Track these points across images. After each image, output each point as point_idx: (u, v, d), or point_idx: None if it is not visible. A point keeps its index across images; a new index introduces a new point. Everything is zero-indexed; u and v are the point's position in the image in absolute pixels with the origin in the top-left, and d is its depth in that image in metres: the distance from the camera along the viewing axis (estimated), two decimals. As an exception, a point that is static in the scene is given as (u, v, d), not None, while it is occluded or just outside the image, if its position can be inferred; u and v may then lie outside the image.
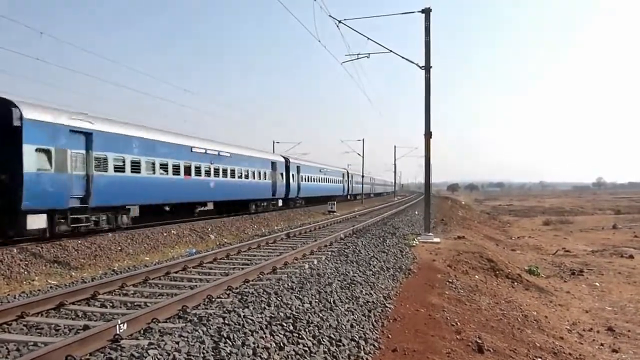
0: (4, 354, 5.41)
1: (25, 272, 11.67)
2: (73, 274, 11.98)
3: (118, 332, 5.72)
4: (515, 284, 13.25)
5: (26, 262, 12.24)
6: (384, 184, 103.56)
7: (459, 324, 7.35)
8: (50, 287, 9.55)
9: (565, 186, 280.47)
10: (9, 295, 8.80)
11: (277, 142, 55.03)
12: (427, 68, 18.39)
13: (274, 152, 45.92)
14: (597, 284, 14.93)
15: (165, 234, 18.24)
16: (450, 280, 10.84)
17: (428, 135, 18.62)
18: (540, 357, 6.86)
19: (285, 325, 5.69)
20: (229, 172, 26.25)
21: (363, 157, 59.78)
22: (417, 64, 18.67)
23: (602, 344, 9.20)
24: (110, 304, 7.79)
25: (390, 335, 6.33)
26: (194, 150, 22.70)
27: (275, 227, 24.02)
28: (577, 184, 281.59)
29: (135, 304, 7.77)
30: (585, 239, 29.22)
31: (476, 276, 12.48)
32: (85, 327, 6.20)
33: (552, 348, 7.66)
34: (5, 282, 10.84)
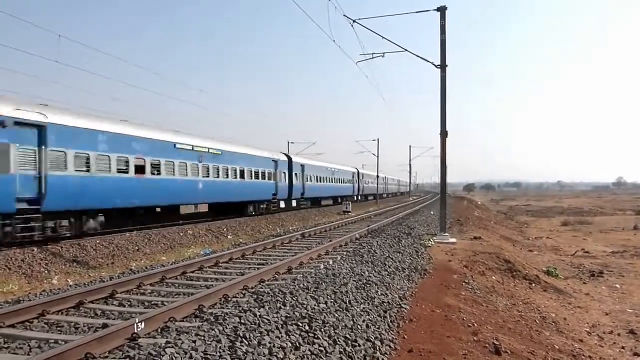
0: (26, 352, 5.52)
1: (46, 272, 11.89)
2: (92, 273, 12.16)
3: (136, 331, 5.79)
4: (533, 285, 13.08)
5: (46, 262, 12.47)
6: (398, 184, 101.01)
7: (475, 325, 7.28)
8: (70, 286, 9.71)
9: (584, 186, 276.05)
10: (30, 294, 8.97)
11: (292, 143, 55.19)
12: (442, 67, 18.26)
13: (288, 152, 45.90)
14: (617, 286, 14.65)
15: (181, 234, 18.43)
16: (466, 281, 10.74)
17: (444, 134, 18.46)
18: (559, 360, 6.76)
19: (301, 325, 5.70)
20: (221, 171, 24.02)
21: (378, 157, 59.65)
22: (432, 63, 18.55)
23: (623, 347, 9.02)
24: (129, 303, 7.90)
25: (406, 336, 6.30)
26: (178, 146, 20.46)
27: (291, 228, 24.07)
28: (597, 184, 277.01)
29: (153, 303, 7.86)
30: (605, 240, 28.66)
31: (493, 277, 12.35)
32: (104, 326, 6.29)
33: (572, 351, 7.54)
34: (27, 281, 11.06)
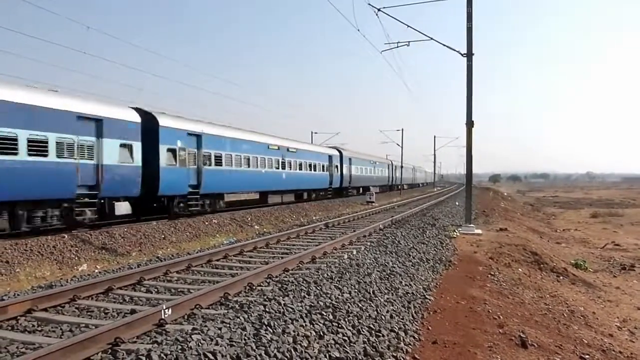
0: (58, 335, 5.69)
1: (76, 258, 12.21)
2: (120, 260, 12.43)
3: (163, 317, 5.90)
4: (561, 278, 12.82)
5: (76, 249, 12.80)
6: (413, 173, 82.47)
7: (501, 317, 7.18)
8: (99, 273, 9.96)
9: (614, 177, 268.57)
10: (61, 279, 9.24)
11: (316, 133, 55.17)
12: (469, 55, 17.91)
13: (312, 143, 45.47)
14: (649, 279, 14.25)
15: (206, 223, 18.66)
16: (492, 273, 10.60)
17: (469, 124, 18.16)
18: (588, 355, 6.61)
19: (324, 314, 5.72)
20: None
21: (402, 147, 59.07)
22: (458, 52, 18.22)
23: (654, 343, 8.78)
24: (155, 290, 8.05)
25: (430, 327, 6.26)
26: None
27: (314, 217, 24.15)
28: (628, 175, 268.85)
29: (179, 290, 8.00)
30: (637, 232, 27.88)
31: (519, 269, 12.15)
32: (132, 311, 6.44)
33: (601, 345, 7.38)
34: (58, 267, 11.39)
